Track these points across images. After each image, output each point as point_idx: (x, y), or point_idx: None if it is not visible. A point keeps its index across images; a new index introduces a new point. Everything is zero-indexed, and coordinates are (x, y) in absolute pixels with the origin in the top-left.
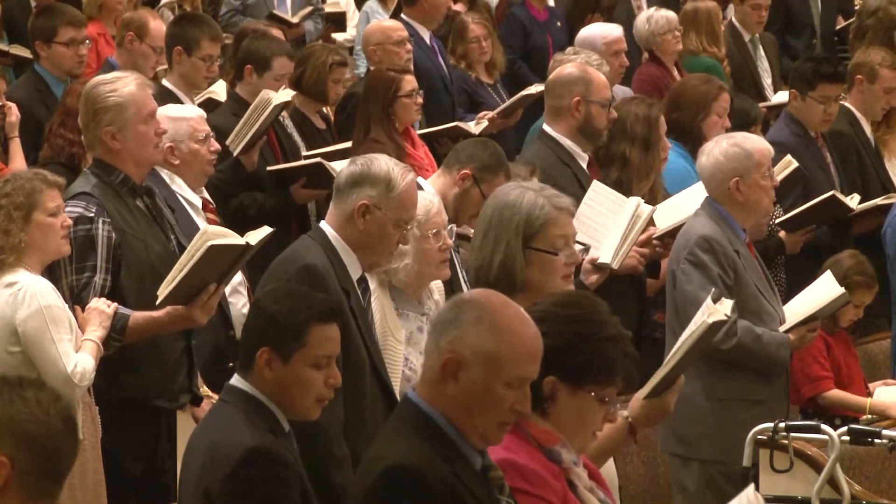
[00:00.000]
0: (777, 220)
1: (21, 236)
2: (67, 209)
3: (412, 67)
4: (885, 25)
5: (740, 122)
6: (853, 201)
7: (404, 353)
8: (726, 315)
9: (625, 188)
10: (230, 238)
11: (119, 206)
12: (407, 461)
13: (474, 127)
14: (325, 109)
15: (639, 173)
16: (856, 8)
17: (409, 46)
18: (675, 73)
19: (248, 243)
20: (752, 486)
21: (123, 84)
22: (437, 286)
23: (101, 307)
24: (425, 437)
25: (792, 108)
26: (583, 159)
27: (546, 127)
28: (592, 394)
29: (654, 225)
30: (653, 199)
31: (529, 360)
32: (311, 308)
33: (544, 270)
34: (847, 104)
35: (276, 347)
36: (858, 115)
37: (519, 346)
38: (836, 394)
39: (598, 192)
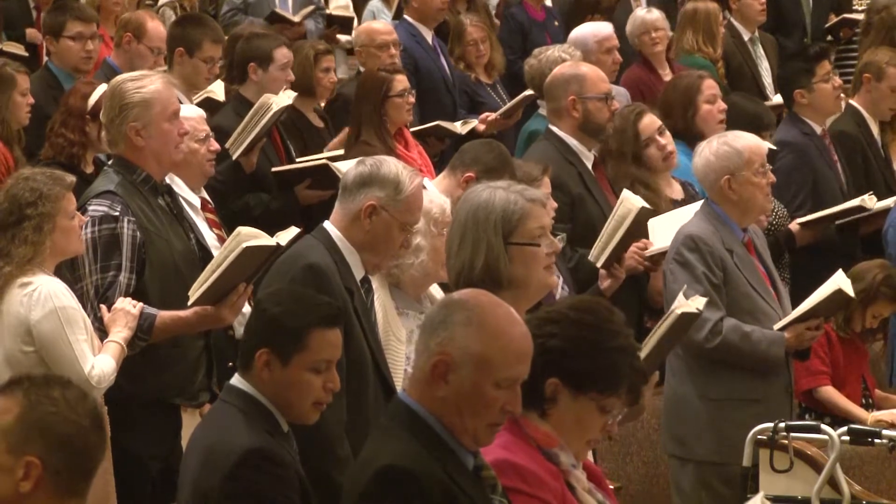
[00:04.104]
0: (799, 221)
1: (48, 243)
2: (91, 207)
3: (401, 67)
4: (887, 25)
5: (753, 126)
6: (871, 201)
7: (406, 351)
8: (697, 309)
9: None
10: (263, 239)
11: (142, 204)
12: (399, 461)
13: (460, 127)
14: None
15: None
16: (855, 7)
17: (393, 50)
18: (669, 73)
19: (278, 244)
20: (760, 495)
21: (150, 81)
22: (435, 286)
23: (127, 307)
24: (417, 438)
25: (798, 107)
26: (588, 158)
27: (552, 126)
28: (594, 402)
29: (647, 237)
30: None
31: (519, 360)
32: (313, 312)
33: (527, 264)
34: (855, 104)
35: (276, 350)
36: (866, 114)
37: (508, 346)
38: (831, 393)
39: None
